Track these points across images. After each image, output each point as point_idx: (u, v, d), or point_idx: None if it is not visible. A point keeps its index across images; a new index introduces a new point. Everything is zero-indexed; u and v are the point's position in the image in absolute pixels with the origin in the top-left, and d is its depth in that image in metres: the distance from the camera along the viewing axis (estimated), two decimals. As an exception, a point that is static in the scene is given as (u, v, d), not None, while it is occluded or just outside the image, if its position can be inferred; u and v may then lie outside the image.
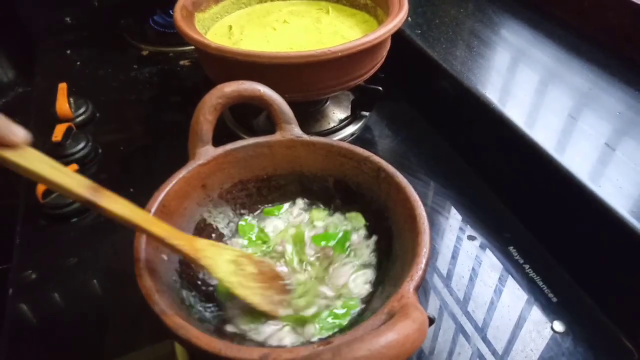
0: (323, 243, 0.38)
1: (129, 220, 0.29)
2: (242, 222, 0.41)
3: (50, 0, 0.90)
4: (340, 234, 0.39)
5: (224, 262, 0.33)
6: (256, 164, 0.41)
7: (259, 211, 0.42)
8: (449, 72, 0.58)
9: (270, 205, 0.42)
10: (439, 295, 0.43)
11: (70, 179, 0.26)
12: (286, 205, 0.42)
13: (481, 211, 0.50)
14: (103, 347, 0.39)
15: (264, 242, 0.40)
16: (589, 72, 0.55)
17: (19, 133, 0.24)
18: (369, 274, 0.36)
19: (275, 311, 0.34)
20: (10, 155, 0.24)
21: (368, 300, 0.34)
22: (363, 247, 0.38)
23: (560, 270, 0.44)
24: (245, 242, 0.40)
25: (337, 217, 0.41)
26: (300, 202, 0.42)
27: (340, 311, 0.34)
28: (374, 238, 0.38)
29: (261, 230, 0.40)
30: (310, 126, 0.60)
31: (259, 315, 0.33)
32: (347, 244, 0.38)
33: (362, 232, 0.39)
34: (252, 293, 0.33)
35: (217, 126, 0.40)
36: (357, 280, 0.36)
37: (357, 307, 0.34)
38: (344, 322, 0.33)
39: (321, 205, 0.42)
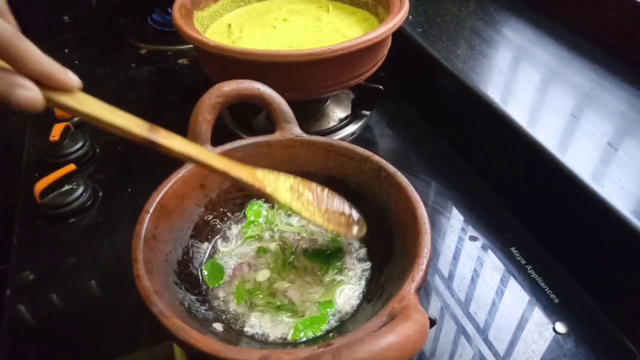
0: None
1: (188, 156, 0.29)
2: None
3: (48, 0, 0.90)
4: (330, 251, 0.38)
5: (284, 190, 0.34)
6: (255, 163, 0.41)
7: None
8: (450, 71, 0.57)
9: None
10: (440, 296, 0.42)
11: (128, 121, 0.27)
12: None
13: (483, 212, 0.50)
14: (101, 349, 0.39)
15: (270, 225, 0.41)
16: (591, 71, 0.55)
17: (73, 77, 0.25)
18: (356, 289, 0.36)
19: (347, 230, 0.36)
20: (68, 100, 0.24)
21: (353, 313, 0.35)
22: (355, 268, 0.38)
23: (562, 271, 0.44)
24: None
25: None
26: None
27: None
28: (368, 264, 0.38)
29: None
30: (310, 125, 0.60)
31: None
32: (338, 263, 0.38)
33: (360, 252, 0.39)
34: (313, 214, 0.35)
35: (216, 126, 0.39)
36: (343, 294, 0.36)
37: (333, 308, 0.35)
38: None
39: None
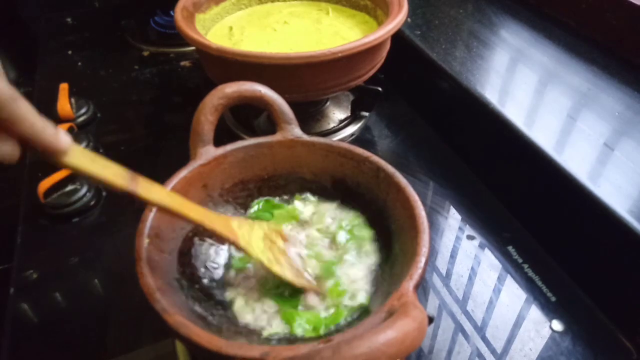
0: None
1: (166, 207, 0.30)
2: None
3: (52, 1, 0.90)
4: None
5: (257, 240, 0.34)
6: (257, 164, 0.41)
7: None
8: (449, 73, 0.58)
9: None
10: (438, 294, 0.43)
11: (109, 171, 0.28)
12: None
13: (480, 211, 0.51)
14: (104, 346, 0.39)
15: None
16: (588, 72, 0.56)
17: (64, 140, 0.25)
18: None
19: (310, 283, 0.35)
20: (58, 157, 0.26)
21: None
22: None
23: (559, 269, 0.45)
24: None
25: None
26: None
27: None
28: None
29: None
30: (310, 126, 0.60)
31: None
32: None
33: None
34: (283, 268, 0.34)
35: (218, 126, 0.40)
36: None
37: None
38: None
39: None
